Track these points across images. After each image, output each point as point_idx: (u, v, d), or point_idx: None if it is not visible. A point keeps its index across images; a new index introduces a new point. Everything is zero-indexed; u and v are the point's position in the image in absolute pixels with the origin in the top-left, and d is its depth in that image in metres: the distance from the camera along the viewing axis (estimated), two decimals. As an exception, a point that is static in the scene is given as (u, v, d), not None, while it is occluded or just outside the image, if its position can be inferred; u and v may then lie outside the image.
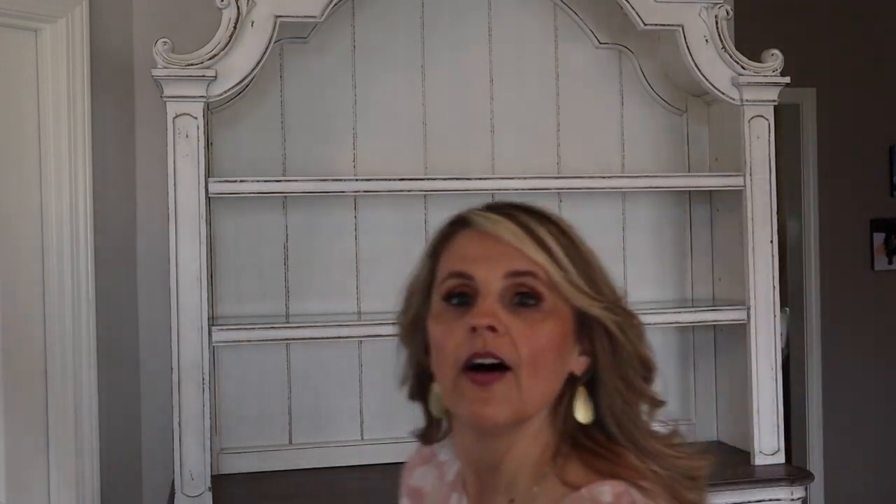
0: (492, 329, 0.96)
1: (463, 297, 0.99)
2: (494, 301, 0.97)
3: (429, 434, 1.09)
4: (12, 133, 2.44)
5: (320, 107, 2.72)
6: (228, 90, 2.40)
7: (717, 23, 2.63)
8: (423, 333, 1.04)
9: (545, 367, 0.98)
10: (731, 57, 2.63)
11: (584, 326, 1.01)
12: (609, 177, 2.72)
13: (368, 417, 2.69)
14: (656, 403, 1.02)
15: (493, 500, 1.02)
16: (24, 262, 2.46)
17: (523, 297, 0.98)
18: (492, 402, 0.96)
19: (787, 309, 4.97)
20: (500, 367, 0.96)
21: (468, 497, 1.05)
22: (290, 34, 2.65)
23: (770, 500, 2.51)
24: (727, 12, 2.65)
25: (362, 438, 2.70)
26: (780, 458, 2.63)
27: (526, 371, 0.96)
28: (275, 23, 2.42)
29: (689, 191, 2.88)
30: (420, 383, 1.07)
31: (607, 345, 1.00)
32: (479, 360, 0.96)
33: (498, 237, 1.00)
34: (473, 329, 0.96)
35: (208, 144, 2.43)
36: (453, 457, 1.08)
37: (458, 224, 1.06)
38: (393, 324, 1.12)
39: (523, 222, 1.01)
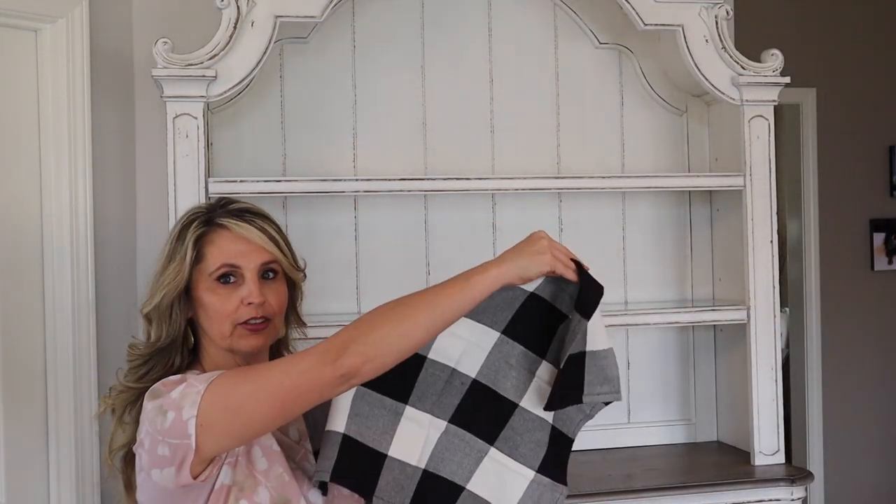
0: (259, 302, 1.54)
1: (229, 277, 1.53)
2: (255, 281, 1.53)
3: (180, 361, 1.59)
4: (12, 133, 2.44)
5: (320, 107, 2.72)
6: (228, 90, 2.40)
7: (717, 23, 2.63)
8: (185, 301, 1.55)
9: (283, 311, 1.59)
10: (731, 57, 2.63)
11: (289, 282, 1.62)
12: (609, 177, 2.72)
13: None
14: (302, 322, 1.70)
15: None
16: (25, 261, 2.46)
17: (267, 273, 1.56)
18: (261, 338, 1.55)
19: (787, 309, 4.97)
20: (264, 319, 1.55)
21: None
22: (290, 34, 2.65)
23: (770, 500, 2.51)
24: (727, 12, 2.65)
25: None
26: (780, 458, 2.63)
27: (277, 317, 1.58)
28: (275, 23, 2.42)
29: (689, 191, 2.88)
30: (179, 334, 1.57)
31: (295, 290, 1.65)
32: (253, 320, 1.53)
33: (249, 238, 1.54)
34: (250, 303, 1.52)
35: (208, 144, 2.43)
36: None
37: (211, 225, 1.55)
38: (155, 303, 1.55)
39: (261, 226, 1.56)
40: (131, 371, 1.56)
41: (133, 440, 1.50)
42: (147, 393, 1.46)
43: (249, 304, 1.52)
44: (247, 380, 1.40)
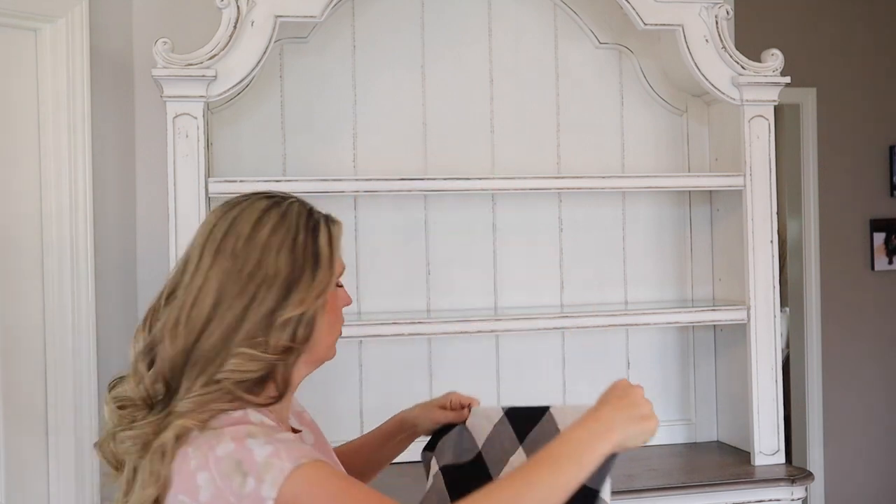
0: None
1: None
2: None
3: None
4: (12, 133, 2.44)
5: (320, 107, 2.72)
6: (228, 90, 2.40)
7: (717, 23, 2.63)
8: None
9: None
10: (731, 57, 2.63)
11: None
12: (609, 177, 2.72)
13: (368, 417, 2.69)
14: None
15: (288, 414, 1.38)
16: (24, 261, 2.46)
17: None
18: None
19: (787, 309, 4.97)
20: None
21: (289, 428, 1.36)
22: (290, 34, 2.65)
23: (770, 500, 2.51)
24: (727, 12, 2.65)
25: (362, 438, 2.70)
26: (780, 458, 2.63)
27: None
28: (275, 23, 2.42)
29: (689, 191, 2.88)
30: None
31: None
32: None
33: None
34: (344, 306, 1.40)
35: (208, 144, 2.43)
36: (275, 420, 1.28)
37: (330, 223, 1.34)
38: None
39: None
40: (213, 400, 1.20)
41: (166, 488, 1.19)
42: (208, 431, 1.17)
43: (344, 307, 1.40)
44: None
